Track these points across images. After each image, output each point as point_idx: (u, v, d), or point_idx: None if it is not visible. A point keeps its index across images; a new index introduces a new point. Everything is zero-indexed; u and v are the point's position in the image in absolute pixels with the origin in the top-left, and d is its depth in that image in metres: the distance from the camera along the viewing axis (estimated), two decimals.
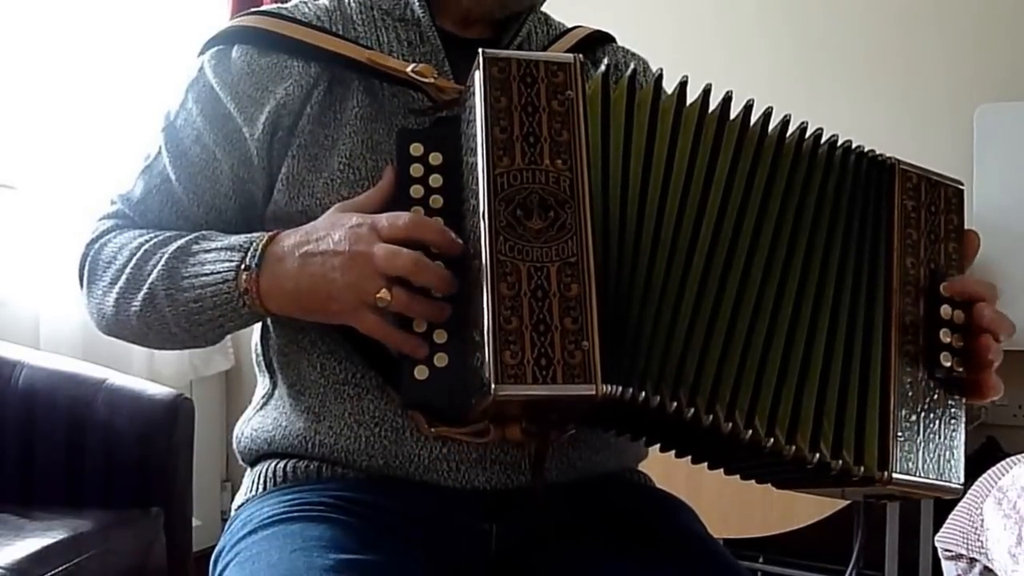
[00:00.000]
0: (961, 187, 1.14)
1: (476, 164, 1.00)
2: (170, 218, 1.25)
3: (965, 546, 2.10)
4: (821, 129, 1.11)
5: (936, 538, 2.21)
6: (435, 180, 1.09)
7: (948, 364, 1.07)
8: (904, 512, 2.85)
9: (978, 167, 3.02)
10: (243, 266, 1.11)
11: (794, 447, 1.03)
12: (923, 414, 1.05)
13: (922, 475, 1.04)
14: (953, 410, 1.07)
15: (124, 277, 1.20)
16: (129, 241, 1.22)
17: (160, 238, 1.20)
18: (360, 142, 1.19)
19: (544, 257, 0.96)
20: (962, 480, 1.06)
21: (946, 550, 2.16)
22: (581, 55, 1.05)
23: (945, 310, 1.08)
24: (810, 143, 1.11)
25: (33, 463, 2.34)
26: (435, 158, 1.10)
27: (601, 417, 1.10)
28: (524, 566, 1.19)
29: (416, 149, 1.10)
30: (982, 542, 2.05)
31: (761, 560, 3.10)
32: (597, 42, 1.37)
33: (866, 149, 1.13)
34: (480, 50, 1.02)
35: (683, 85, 1.08)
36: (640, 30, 1.43)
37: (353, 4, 1.28)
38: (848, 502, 2.76)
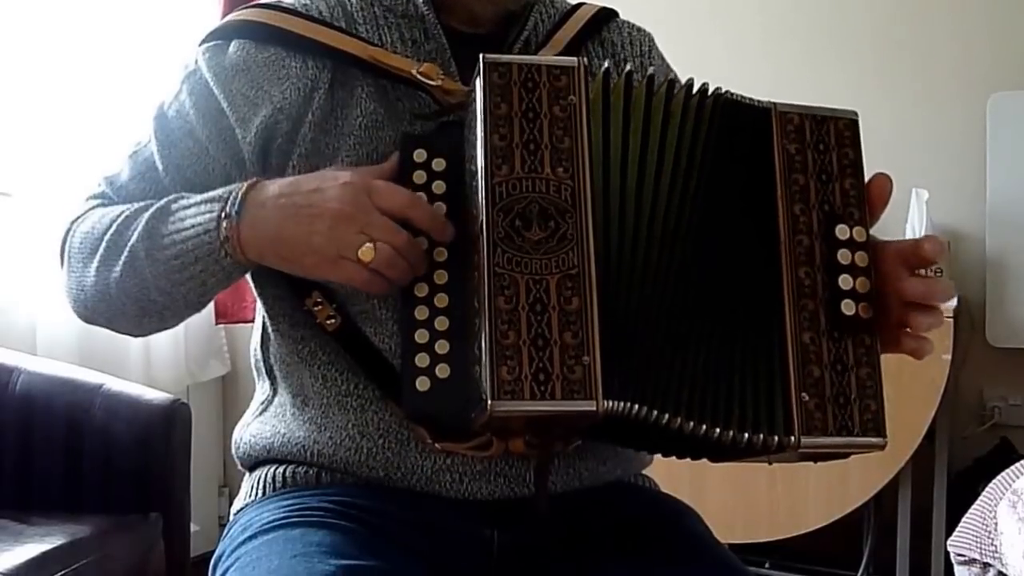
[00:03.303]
0: (854, 118, 1.07)
1: (476, 173, 0.99)
2: None
3: (978, 550, 2.09)
4: (705, 84, 1.07)
5: (949, 542, 2.20)
6: (438, 187, 1.08)
7: (851, 312, 1.02)
8: (916, 515, 2.83)
9: (991, 156, 3.01)
10: (223, 214, 1.09)
11: (730, 432, 0.99)
12: (829, 370, 1.00)
13: (834, 434, 1.00)
14: (865, 358, 1.02)
15: (104, 244, 1.17)
16: (110, 211, 1.20)
17: (140, 205, 1.18)
18: (365, 155, 1.17)
19: (543, 269, 0.95)
20: (885, 432, 1.01)
21: (959, 554, 2.15)
22: (585, 59, 1.03)
23: (844, 254, 1.03)
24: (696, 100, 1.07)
25: (31, 469, 2.34)
26: (438, 164, 1.08)
27: (607, 431, 1.08)
28: (527, 573, 1.17)
29: (419, 155, 1.09)
30: (996, 546, 2.04)
31: (768, 565, 3.08)
32: (602, 20, 1.34)
33: (742, 96, 1.08)
34: (481, 56, 1.01)
35: (671, 83, 1.06)
36: (643, 19, 1.40)
37: (355, 1, 1.25)
38: (857, 505, 2.75)
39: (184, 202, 1.14)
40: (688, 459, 1.10)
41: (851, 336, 1.02)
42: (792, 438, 0.99)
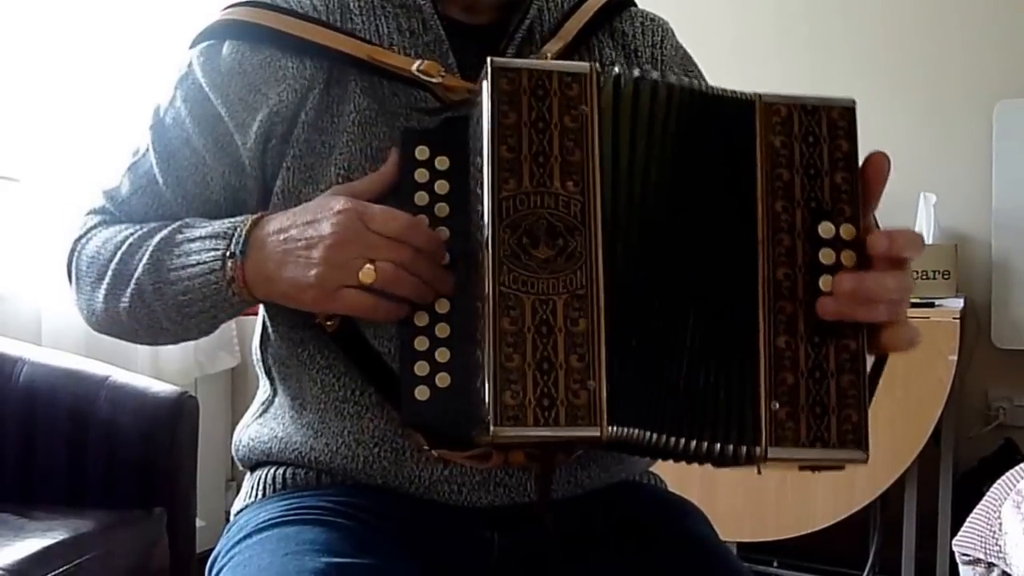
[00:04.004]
0: (850, 105, 1.00)
1: (482, 183, 0.95)
2: (156, 219, 1.20)
3: (983, 550, 2.09)
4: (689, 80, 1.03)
5: (954, 542, 2.20)
6: (441, 186, 1.04)
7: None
8: (921, 515, 2.83)
9: (997, 162, 3.03)
10: (228, 254, 1.07)
11: (704, 444, 0.96)
12: (805, 377, 0.95)
13: (806, 445, 0.95)
14: (849, 364, 0.96)
15: (111, 273, 1.16)
16: (114, 235, 1.18)
17: (144, 230, 1.16)
18: (359, 151, 1.13)
19: (550, 289, 0.91)
20: (866, 446, 0.95)
21: (964, 554, 2.15)
22: (598, 65, 0.99)
23: (827, 253, 0.97)
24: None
25: (34, 462, 2.33)
26: (441, 162, 1.05)
27: (608, 446, 1.05)
28: (527, 572, 1.16)
29: (422, 152, 1.05)
30: (1000, 546, 2.04)
31: (775, 564, 3.09)
32: (614, 10, 1.29)
33: (725, 89, 1.03)
34: (489, 59, 0.97)
35: (670, 86, 1.01)
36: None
37: None
38: (863, 505, 2.75)
39: (189, 233, 1.12)
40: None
41: (834, 341, 0.97)
42: (758, 449, 0.95)
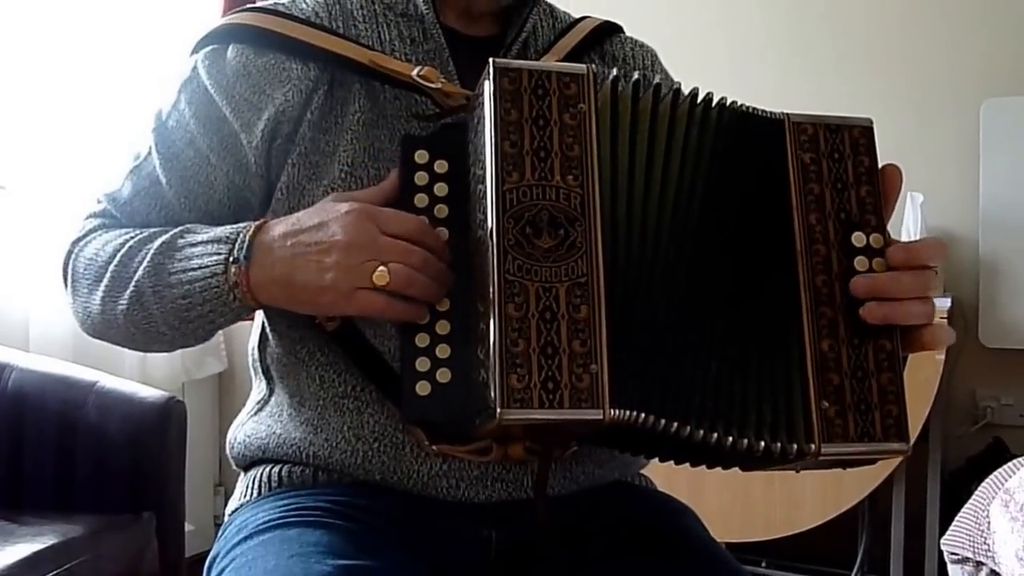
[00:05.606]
0: (868, 125, 1.08)
1: (484, 178, 0.98)
2: (158, 222, 1.21)
3: (971, 549, 2.09)
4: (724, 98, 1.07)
5: (942, 541, 2.20)
6: (440, 189, 1.07)
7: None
8: (910, 514, 2.84)
9: (984, 162, 3.03)
10: (231, 259, 1.07)
11: (745, 441, 0.99)
12: (849, 376, 1.01)
13: (855, 441, 0.99)
14: (886, 363, 1.01)
15: (109, 275, 1.16)
16: (114, 238, 1.18)
17: (145, 234, 1.16)
18: (362, 149, 1.16)
19: (553, 277, 0.94)
20: (908, 438, 1.01)
21: (952, 553, 2.15)
22: (594, 65, 1.03)
23: (861, 261, 1.03)
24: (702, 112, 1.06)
25: (23, 467, 2.33)
26: (440, 166, 1.07)
27: (612, 438, 1.08)
28: (525, 571, 1.16)
29: (421, 156, 1.07)
30: (988, 545, 2.04)
31: (764, 564, 3.10)
32: (605, 33, 1.33)
33: (753, 107, 1.07)
34: (491, 60, 1.00)
35: (676, 91, 1.05)
36: (642, 29, 1.40)
37: None
38: (852, 504, 2.76)
39: (191, 238, 1.12)
40: (703, 467, 1.09)
41: (872, 342, 1.02)
42: (812, 445, 0.99)
